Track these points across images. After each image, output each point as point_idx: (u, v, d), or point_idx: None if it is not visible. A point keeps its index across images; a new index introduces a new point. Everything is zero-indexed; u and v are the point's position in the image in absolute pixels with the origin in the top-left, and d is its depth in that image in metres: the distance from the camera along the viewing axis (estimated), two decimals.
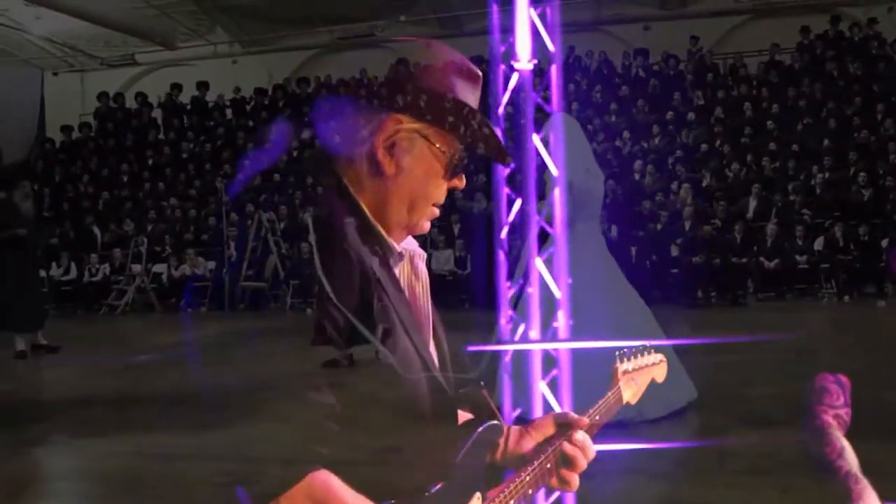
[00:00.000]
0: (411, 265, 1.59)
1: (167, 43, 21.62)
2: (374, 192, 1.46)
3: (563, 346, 3.25)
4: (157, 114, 21.56)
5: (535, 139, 3.39)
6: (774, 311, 11.93)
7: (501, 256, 3.44)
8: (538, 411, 3.14)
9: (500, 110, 3.49)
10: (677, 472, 4.65)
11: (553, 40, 3.43)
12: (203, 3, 20.16)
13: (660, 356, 1.88)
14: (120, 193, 19.29)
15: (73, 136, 21.85)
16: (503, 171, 3.43)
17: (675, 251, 14.03)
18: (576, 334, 5.22)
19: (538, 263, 3.31)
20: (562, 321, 3.31)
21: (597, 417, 1.64)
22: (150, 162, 20.07)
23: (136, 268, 16.30)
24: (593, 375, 1.90)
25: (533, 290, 3.28)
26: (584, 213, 6.05)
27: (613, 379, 1.74)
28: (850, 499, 1.90)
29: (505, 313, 3.39)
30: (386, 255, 1.47)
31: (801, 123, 16.21)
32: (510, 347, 3.31)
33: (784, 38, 18.32)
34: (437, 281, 13.06)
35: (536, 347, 3.26)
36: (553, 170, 3.42)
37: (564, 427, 1.56)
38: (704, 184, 15.51)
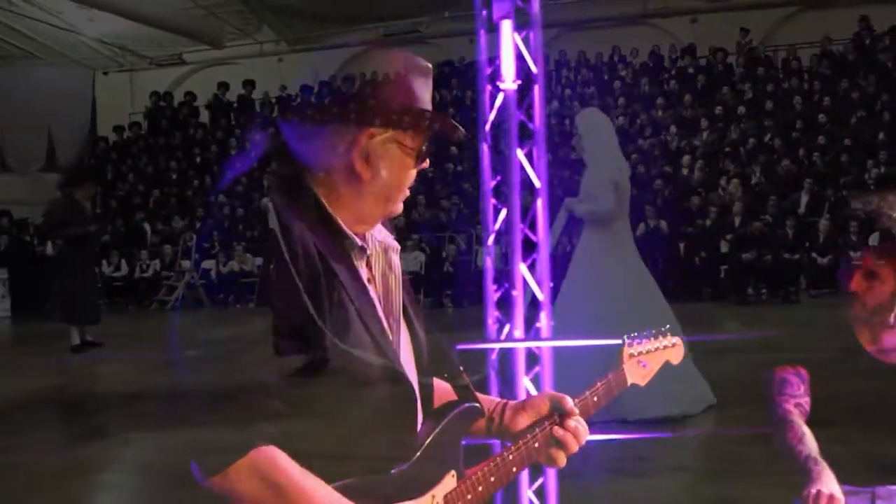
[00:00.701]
0: (385, 258, 1.67)
1: (214, 42, 21.86)
2: (351, 195, 1.58)
3: (546, 345, 3.52)
4: (204, 112, 21.84)
5: (519, 154, 3.63)
6: (828, 308, 11.66)
7: (488, 262, 3.70)
8: None
9: (487, 127, 3.71)
10: (728, 470, 4.59)
11: (535, 62, 3.64)
12: (250, 3, 20.34)
13: (676, 339, 1.90)
14: (169, 191, 19.58)
15: (124, 135, 22.24)
16: (489, 184, 3.71)
17: (724, 247, 13.80)
18: (617, 325, 5.26)
19: (522, 269, 3.56)
20: (544, 322, 3.57)
21: (594, 399, 1.72)
22: (198, 160, 20.34)
23: (186, 264, 16.54)
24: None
25: (517, 294, 3.54)
26: (623, 210, 6.11)
27: (618, 361, 1.81)
28: (809, 480, 2.02)
29: (492, 314, 3.63)
30: (346, 250, 1.56)
31: (855, 116, 15.83)
32: (497, 346, 3.56)
33: (836, 30, 17.89)
34: (476, 274, 12.89)
35: (523, 346, 3.51)
36: (536, 182, 3.67)
37: (558, 410, 1.66)
38: (754, 179, 15.24)
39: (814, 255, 13.18)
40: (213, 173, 19.68)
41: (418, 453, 1.56)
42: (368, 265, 1.63)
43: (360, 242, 1.59)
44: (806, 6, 19.35)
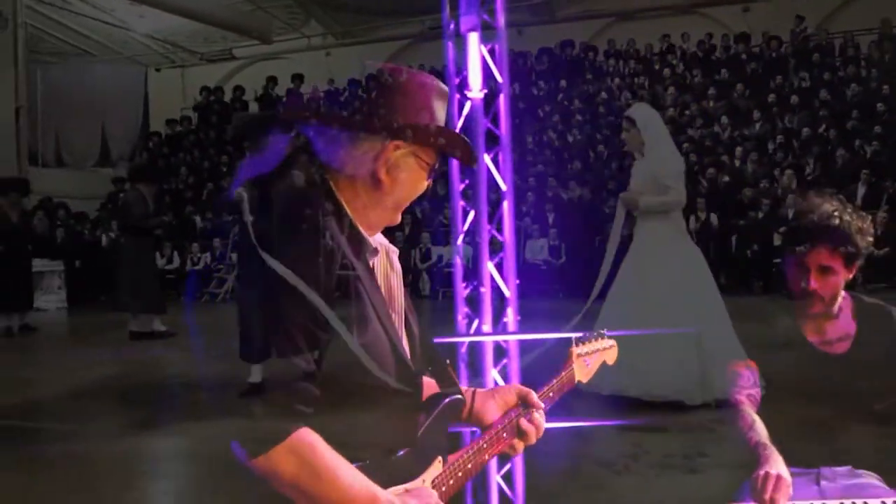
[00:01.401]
0: (388, 259, 1.80)
1: (263, 37, 22.07)
2: (369, 201, 1.71)
3: (512, 338, 3.81)
4: (253, 106, 22.08)
5: (486, 159, 3.85)
6: (885, 301, 11.37)
7: (458, 261, 3.97)
8: None
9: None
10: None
11: (501, 73, 3.88)
12: None
13: (611, 342, 2.14)
14: (219, 184, 19.83)
15: (175, 129, 22.58)
16: (458, 187, 3.95)
17: (777, 240, 13.52)
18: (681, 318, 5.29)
19: (489, 267, 3.81)
20: (511, 317, 3.83)
21: (551, 394, 1.92)
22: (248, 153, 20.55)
23: (235, 257, 16.73)
24: None
25: (485, 290, 3.78)
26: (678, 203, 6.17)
27: (567, 361, 2.02)
28: (758, 463, 2.16)
29: (461, 310, 3.89)
30: (364, 251, 1.69)
31: None
32: (466, 339, 3.79)
33: None
34: (530, 270, 12.99)
35: (491, 339, 3.78)
36: (502, 185, 3.91)
37: (524, 402, 1.85)
38: (808, 170, 14.90)
39: (871, 247, 12.84)
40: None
41: (417, 440, 1.70)
42: (375, 267, 1.76)
43: (374, 245, 1.72)
44: None
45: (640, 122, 6.14)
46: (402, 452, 1.67)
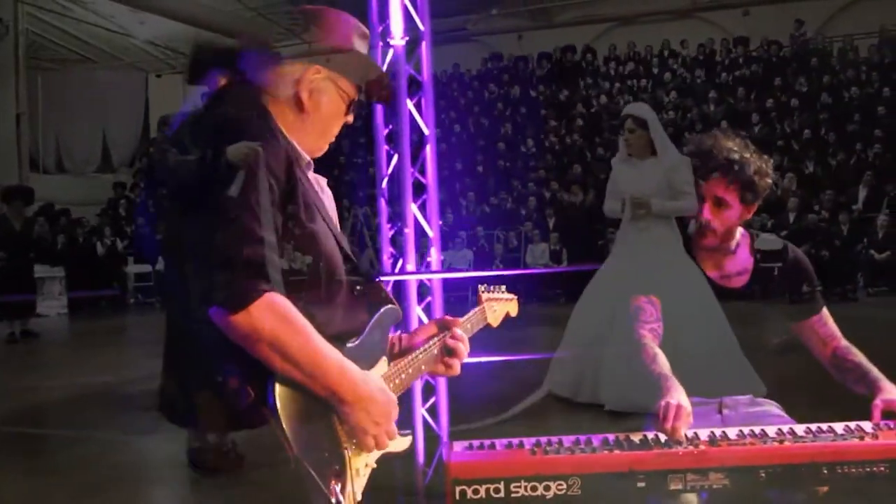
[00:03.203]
0: (318, 183, 1.89)
1: (265, 43, 22.07)
2: (295, 123, 1.84)
3: (435, 276, 4.01)
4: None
5: (409, 104, 4.01)
6: (886, 307, 11.37)
7: (383, 204, 4.12)
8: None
9: None
10: None
11: (423, 21, 4.02)
12: (298, 3, 20.52)
13: (511, 296, 2.35)
14: None
15: None
16: (383, 132, 4.13)
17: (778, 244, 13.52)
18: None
19: (413, 208, 3.97)
20: (434, 256, 4.03)
21: (468, 325, 2.11)
22: None
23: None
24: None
25: (409, 231, 3.94)
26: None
27: (478, 300, 2.23)
28: (660, 394, 2.22)
29: (386, 250, 4.10)
30: (301, 163, 1.80)
31: None
32: (391, 278, 3.94)
33: (895, 18, 17.38)
34: (532, 275, 12.86)
35: (414, 278, 3.98)
36: (425, 129, 4.06)
37: (444, 327, 2.03)
38: (808, 173, 14.91)
39: (871, 251, 12.85)
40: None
41: (363, 334, 1.82)
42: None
43: (307, 158, 1.85)
44: None
45: (651, 122, 5.90)
46: (353, 343, 1.77)
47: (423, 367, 1.95)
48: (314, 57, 1.86)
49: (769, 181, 2.61)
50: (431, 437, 3.97)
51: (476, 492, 1.94)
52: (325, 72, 1.86)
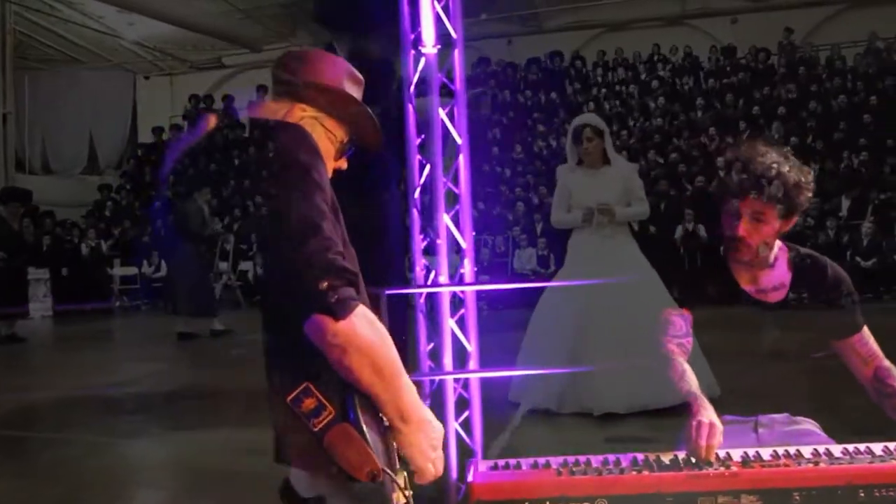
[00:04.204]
0: None
1: (253, 45, 22.06)
2: None
3: (469, 289, 3.89)
4: (244, 115, 22.03)
5: (441, 112, 3.91)
6: (872, 314, 11.42)
7: (415, 214, 4.02)
8: (448, 344, 3.72)
9: (412, 89, 4.02)
10: None
11: (455, 28, 3.94)
12: (288, 6, 20.50)
13: None
14: (208, 192, 19.75)
15: (164, 137, 22.52)
16: (415, 141, 4.02)
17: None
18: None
19: (445, 219, 3.87)
20: (468, 268, 3.91)
21: None
22: (237, 161, 20.52)
23: (223, 265, 16.69)
24: None
25: (441, 242, 3.85)
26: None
27: None
28: (691, 413, 2.14)
29: (419, 262, 4.00)
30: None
31: None
32: (424, 290, 3.88)
33: (882, 27, 17.48)
34: (518, 280, 12.89)
35: (447, 290, 3.87)
36: (457, 139, 3.95)
37: None
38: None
39: (857, 258, 12.94)
40: (252, 175, 19.82)
41: None
42: None
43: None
44: (851, 4, 19.00)
45: (606, 131, 6.05)
46: None
47: None
48: (303, 95, 1.81)
49: (809, 195, 2.50)
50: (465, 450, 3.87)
51: None
52: (312, 110, 1.82)
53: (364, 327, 1.52)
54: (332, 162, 1.84)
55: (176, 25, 20.04)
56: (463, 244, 3.92)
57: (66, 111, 21.69)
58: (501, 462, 2.07)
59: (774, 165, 2.45)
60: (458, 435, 3.84)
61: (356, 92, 1.87)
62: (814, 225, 13.57)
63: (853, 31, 18.07)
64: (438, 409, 3.97)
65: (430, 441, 1.63)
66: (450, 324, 3.84)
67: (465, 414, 3.84)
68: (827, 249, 12.95)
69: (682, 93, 18.29)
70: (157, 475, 5.18)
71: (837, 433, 2.51)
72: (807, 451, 2.06)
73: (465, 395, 3.89)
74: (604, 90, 19.37)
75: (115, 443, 5.75)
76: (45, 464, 5.22)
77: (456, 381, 3.88)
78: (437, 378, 3.82)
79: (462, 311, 3.90)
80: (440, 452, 1.67)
